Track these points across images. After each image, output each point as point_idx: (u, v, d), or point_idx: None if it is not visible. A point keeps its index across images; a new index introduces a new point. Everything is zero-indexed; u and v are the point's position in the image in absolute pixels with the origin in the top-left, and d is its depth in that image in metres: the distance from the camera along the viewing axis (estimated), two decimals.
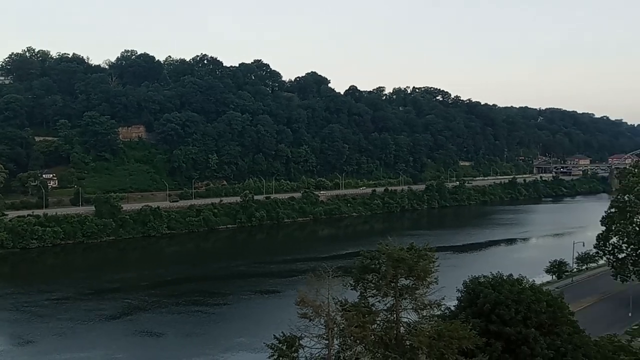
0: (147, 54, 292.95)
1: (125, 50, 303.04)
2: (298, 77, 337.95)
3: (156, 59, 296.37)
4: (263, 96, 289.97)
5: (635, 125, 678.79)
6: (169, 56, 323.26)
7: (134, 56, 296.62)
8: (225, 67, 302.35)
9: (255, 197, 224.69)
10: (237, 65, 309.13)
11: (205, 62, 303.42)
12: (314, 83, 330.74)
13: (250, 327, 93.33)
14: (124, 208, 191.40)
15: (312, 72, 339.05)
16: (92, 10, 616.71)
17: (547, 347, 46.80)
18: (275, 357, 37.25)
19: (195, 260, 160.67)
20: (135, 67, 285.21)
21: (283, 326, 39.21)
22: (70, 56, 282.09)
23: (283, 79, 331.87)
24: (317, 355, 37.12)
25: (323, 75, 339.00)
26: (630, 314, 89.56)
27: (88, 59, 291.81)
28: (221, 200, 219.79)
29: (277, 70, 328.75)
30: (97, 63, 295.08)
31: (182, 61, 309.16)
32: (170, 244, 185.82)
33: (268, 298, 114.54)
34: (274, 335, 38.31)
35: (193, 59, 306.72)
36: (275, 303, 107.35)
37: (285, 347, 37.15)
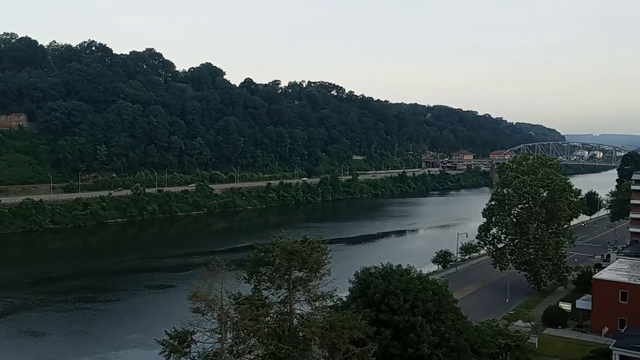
0: (29, 38, 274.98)
1: (4, 33, 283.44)
2: (192, 67, 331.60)
3: (39, 44, 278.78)
4: (155, 86, 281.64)
5: (514, 123, 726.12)
6: (54, 41, 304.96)
7: (14, 39, 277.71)
8: (115, 54, 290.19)
9: (147, 190, 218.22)
10: (128, 53, 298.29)
11: (94, 48, 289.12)
12: (208, 74, 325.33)
13: (143, 323, 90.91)
14: (2, 201, 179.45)
15: (206, 63, 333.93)
16: None
17: (432, 334, 49.15)
18: (166, 353, 36.52)
19: (83, 255, 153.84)
20: (15, 51, 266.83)
21: (176, 321, 38.50)
22: None
23: (177, 69, 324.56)
24: (209, 349, 36.79)
25: (218, 66, 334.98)
26: (507, 300, 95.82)
27: None
28: (110, 194, 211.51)
29: (171, 60, 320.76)
30: None
31: (68, 47, 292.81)
32: (54, 239, 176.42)
33: (161, 293, 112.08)
34: (165, 331, 37.51)
35: (80, 45, 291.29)
36: (168, 298, 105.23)
37: (176, 342, 36.49)
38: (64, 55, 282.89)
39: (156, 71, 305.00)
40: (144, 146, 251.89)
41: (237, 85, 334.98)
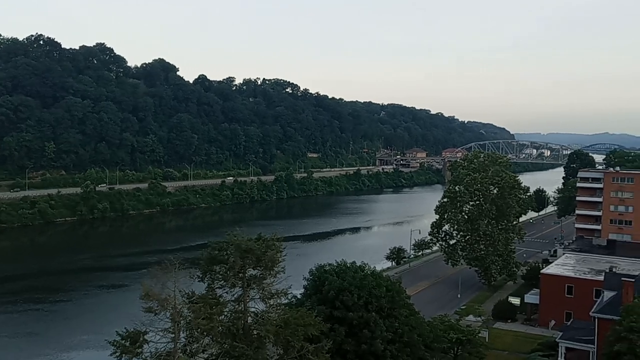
0: None
1: None
2: (145, 63, 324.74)
3: None
4: (106, 82, 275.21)
5: (466, 122, 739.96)
6: None
7: None
8: (64, 49, 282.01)
9: (98, 188, 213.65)
10: (78, 47, 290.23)
11: (41, 42, 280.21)
12: (161, 70, 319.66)
13: (94, 323, 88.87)
14: None
15: (159, 59, 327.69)
16: None
17: (386, 330, 49.69)
18: (117, 354, 35.86)
19: (32, 255, 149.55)
20: None
21: (128, 321, 37.86)
22: None
23: (128, 64, 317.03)
24: (162, 349, 36.29)
25: (171, 62, 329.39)
26: (459, 295, 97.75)
27: None
28: (59, 192, 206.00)
29: (122, 55, 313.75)
30: None
31: (15, 40, 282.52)
32: (0, 239, 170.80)
33: (113, 293, 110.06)
34: (117, 331, 36.84)
35: (27, 38, 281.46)
36: (121, 297, 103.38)
37: (128, 343, 35.87)
38: (9, 49, 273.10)
39: (107, 66, 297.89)
40: (94, 143, 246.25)
41: (191, 81, 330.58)
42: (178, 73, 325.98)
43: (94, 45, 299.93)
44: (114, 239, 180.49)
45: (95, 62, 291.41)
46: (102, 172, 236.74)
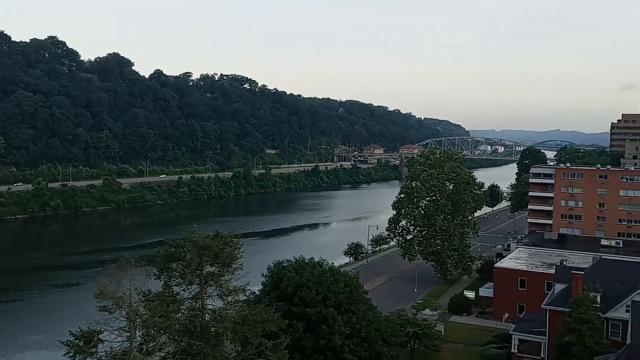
0: None
1: None
2: (99, 57, 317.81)
3: None
4: (58, 76, 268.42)
5: (423, 119, 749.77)
6: None
7: None
8: (14, 42, 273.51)
9: (50, 185, 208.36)
10: (29, 40, 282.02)
11: None
12: (116, 65, 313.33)
13: (48, 323, 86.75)
14: None
15: (114, 53, 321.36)
16: None
17: (344, 325, 50.12)
18: (71, 354, 35.12)
19: None
20: None
21: (82, 321, 37.10)
22: None
23: (82, 58, 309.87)
24: (117, 349, 35.72)
25: (126, 57, 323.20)
26: (415, 290, 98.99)
27: None
28: (9, 188, 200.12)
29: (75, 48, 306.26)
30: None
31: None
32: None
33: (67, 291, 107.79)
34: (70, 331, 36.06)
35: None
36: (75, 296, 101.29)
37: (82, 343, 35.16)
38: None
39: (59, 60, 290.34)
40: (46, 139, 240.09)
41: (147, 76, 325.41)
42: (133, 68, 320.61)
43: (45, 39, 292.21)
44: (67, 237, 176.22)
45: (46, 55, 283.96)
46: (54, 169, 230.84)
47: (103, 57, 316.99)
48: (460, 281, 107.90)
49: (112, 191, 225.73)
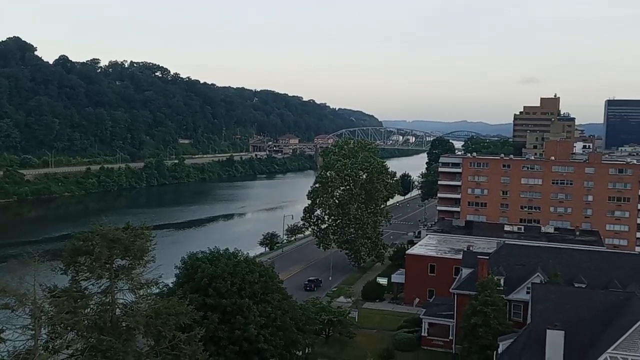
0: None
1: None
2: None
3: None
4: None
5: (337, 109, 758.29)
6: None
7: None
8: None
9: None
10: None
11: None
12: (17, 49, 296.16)
13: None
14: None
15: (14, 37, 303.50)
16: None
17: (259, 315, 50.28)
18: None
19: None
20: None
21: None
22: None
23: None
24: (21, 348, 34.12)
25: (28, 41, 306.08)
26: (330, 278, 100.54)
27: None
28: None
29: None
30: None
31: None
32: None
33: None
34: None
35: None
36: None
37: None
38: None
39: None
40: None
41: (51, 62, 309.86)
42: (36, 53, 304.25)
43: None
44: None
45: None
46: None
47: (3, 41, 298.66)
48: (374, 268, 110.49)
49: (13, 183, 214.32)
